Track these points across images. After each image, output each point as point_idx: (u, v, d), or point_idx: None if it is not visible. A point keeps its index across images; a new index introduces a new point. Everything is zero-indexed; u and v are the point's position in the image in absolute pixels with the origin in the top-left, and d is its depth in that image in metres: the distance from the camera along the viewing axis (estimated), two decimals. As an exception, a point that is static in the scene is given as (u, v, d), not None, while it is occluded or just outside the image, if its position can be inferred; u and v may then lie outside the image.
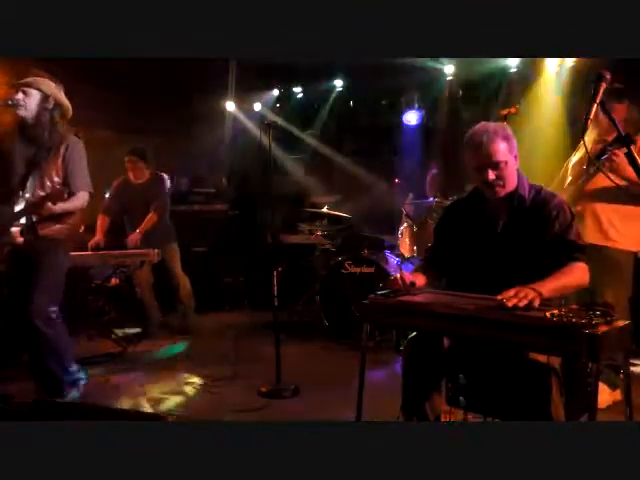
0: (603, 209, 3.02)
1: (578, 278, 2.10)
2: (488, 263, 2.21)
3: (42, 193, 3.05)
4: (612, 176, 2.68)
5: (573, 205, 3.09)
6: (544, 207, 2.18)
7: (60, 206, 3.05)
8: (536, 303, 1.88)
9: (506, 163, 2.17)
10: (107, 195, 5.14)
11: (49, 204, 2.99)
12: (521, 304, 1.86)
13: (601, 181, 3.01)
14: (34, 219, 3.05)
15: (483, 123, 2.23)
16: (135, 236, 4.82)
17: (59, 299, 3.15)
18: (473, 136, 2.20)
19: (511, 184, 2.21)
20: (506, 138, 2.18)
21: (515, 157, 2.21)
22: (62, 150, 3.08)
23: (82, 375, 3.28)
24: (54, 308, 3.09)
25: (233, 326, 5.35)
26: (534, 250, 2.15)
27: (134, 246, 4.78)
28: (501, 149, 2.15)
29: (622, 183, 2.92)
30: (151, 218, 4.91)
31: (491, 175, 2.16)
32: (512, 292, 1.90)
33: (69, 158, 3.08)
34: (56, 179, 3.09)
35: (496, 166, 2.16)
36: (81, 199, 3.15)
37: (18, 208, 3.06)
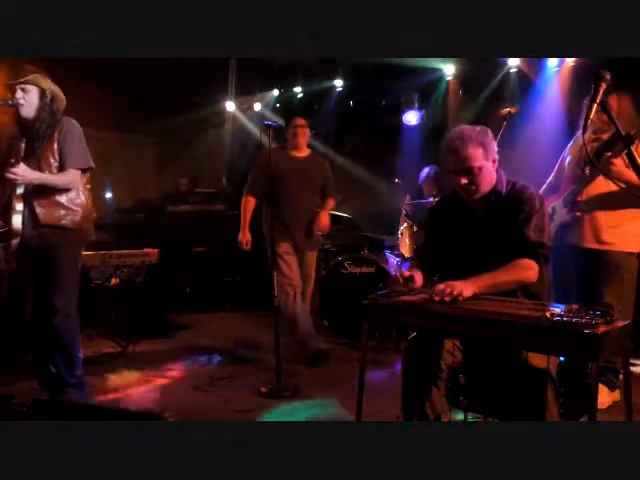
0: (602, 214, 3.00)
1: (519, 274, 2.12)
2: (472, 254, 2.26)
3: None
4: (610, 181, 2.69)
5: (571, 211, 3.09)
6: (516, 198, 2.23)
7: (48, 176, 3.01)
8: (461, 298, 1.93)
9: (480, 168, 2.18)
10: (251, 174, 4.07)
11: (36, 173, 2.94)
12: (446, 299, 1.92)
13: (599, 186, 3.00)
14: (36, 208, 3.00)
15: (461, 127, 2.25)
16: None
17: (77, 296, 3.12)
18: (448, 141, 2.22)
19: (486, 187, 2.24)
20: (482, 143, 2.19)
21: (493, 160, 2.23)
22: (56, 134, 3.06)
23: (84, 382, 3.23)
24: (73, 306, 3.08)
25: (233, 326, 5.35)
26: (510, 238, 2.18)
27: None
28: (475, 155, 2.16)
29: (621, 185, 2.92)
30: (330, 204, 4.10)
31: (463, 180, 2.20)
32: (442, 287, 1.96)
33: (64, 138, 3.06)
34: (53, 162, 3.06)
35: (469, 172, 2.19)
36: (70, 175, 3.06)
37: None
